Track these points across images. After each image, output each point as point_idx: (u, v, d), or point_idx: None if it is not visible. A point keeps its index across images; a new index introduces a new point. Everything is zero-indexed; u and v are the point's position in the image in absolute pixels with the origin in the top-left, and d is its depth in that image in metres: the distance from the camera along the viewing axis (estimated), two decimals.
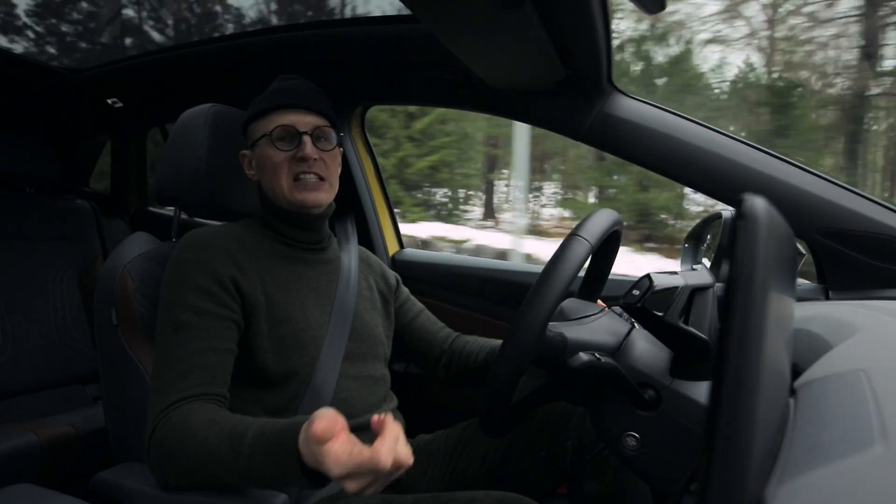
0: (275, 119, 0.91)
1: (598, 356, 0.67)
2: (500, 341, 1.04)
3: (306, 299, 0.92)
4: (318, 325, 0.91)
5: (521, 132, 6.05)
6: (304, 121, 0.91)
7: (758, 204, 0.36)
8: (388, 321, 1.07)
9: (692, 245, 1.08)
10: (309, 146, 0.89)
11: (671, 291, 0.66)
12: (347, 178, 1.40)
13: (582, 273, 0.82)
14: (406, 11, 0.77)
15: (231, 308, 0.83)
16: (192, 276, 0.82)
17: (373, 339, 0.99)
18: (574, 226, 0.73)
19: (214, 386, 0.78)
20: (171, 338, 0.79)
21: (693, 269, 0.75)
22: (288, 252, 0.95)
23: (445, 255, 1.52)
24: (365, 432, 0.93)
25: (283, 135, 0.90)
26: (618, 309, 0.83)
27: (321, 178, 0.91)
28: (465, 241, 8.32)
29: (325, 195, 0.93)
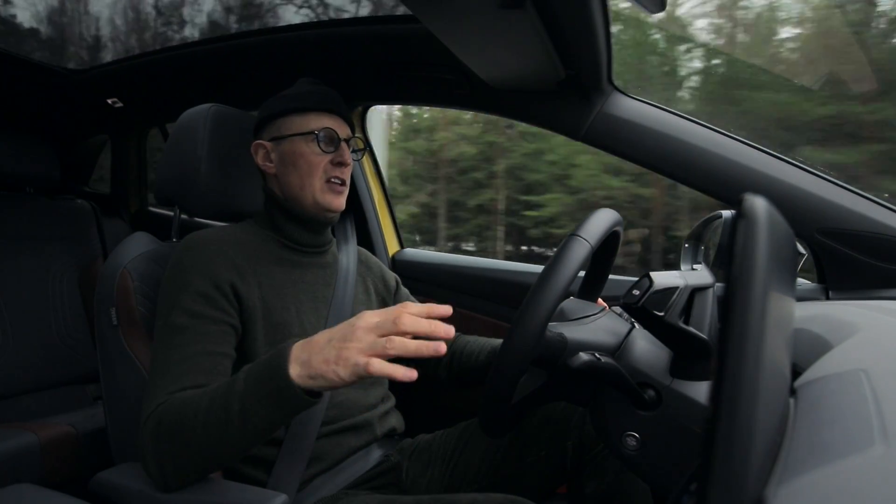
0: (315, 120, 0.92)
1: (598, 356, 0.67)
2: (500, 341, 1.04)
3: (303, 304, 0.92)
4: (313, 330, 0.90)
5: None
6: (342, 128, 0.95)
7: (758, 204, 0.36)
8: None
9: (692, 245, 1.08)
10: (347, 153, 0.94)
11: (671, 291, 0.66)
12: None
13: (582, 273, 0.82)
14: (406, 11, 0.77)
15: (228, 313, 0.83)
16: (191, 280, 0.82)
17: None
18: None
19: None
20: (167, 340, 0.79)
21: (693, 269, 0.76)
22: (287, 255, 0.95)
23: (445, 255, 1.52)
24: (359, 431, 0.93)
25: (327, 137, 0.92)
26: (618, 309, 0.83)
27: (344, 185, 0.95)
28: None
29: (345, 200, 0.96)
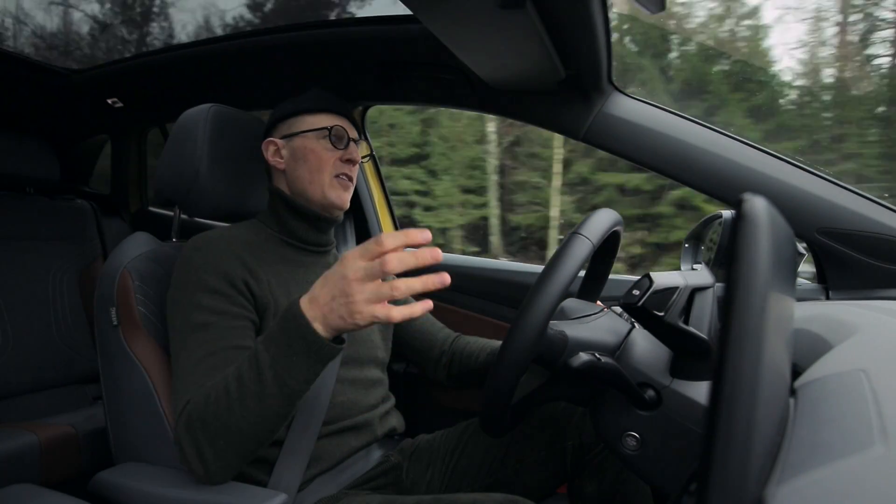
0: (327, 119, 0.96)
1: (598, 356, 0.67)
2: (500, 342, 1.04)
3: None
4: None
5: None
6: (351, 130, 0.99)
7: (758, 204, 0.36)
8: (386, 325, 1.07)
9: (692, 245, 1.08)
10: (356, 150, 0.98)
11: (671, 291, 0.66)
12: None
13: (581, 274, 0.82)
14: (406, 11, 0.77)
15: (247, 308, 0.84)
16: (206, 279, 0.83)
17: (369, 343, 1.00)
18: None
19: None
20: (190, 339, 0.79)
21: (693, 269, 0.76)
22: (291, 255, 0.96)
23: (445, 255, 1.51)
24: (360, 431, 0.93)
25: (337, 135, 0.95)
26: (618, 309, 0.83)
27: (351, 181, 0.98)
28: None
29: (349, 199, 0.98)
